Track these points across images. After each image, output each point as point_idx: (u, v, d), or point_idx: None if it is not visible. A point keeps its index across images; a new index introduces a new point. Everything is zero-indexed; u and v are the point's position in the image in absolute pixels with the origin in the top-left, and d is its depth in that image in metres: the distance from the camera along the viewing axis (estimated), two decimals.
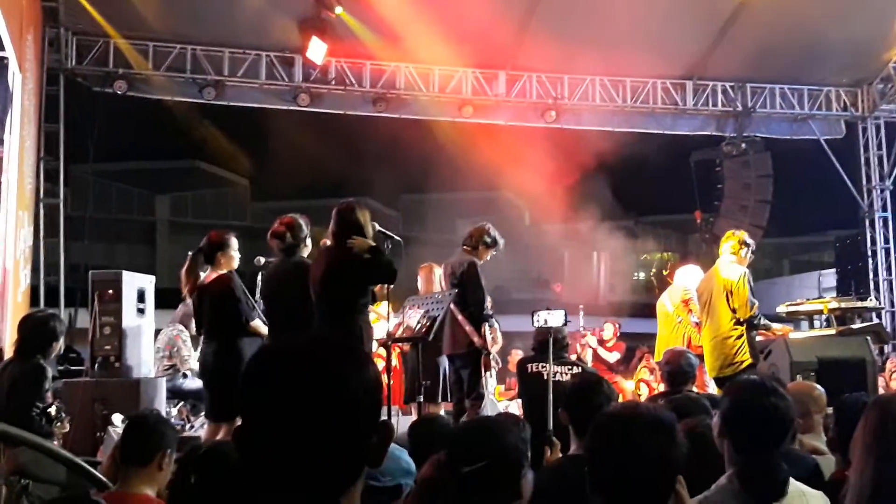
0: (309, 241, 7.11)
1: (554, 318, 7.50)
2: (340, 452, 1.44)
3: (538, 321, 7.56)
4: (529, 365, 7.41)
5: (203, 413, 7.96)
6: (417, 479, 3.27)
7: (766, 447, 3.04)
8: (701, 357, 8.50)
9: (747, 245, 8.58)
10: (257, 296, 7.66)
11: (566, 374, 6.83)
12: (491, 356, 8.14)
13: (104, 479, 4.00)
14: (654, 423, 2.56)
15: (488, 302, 8.31)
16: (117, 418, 7.05)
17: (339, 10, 12.72)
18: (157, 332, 9.32)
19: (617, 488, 2.50)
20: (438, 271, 8.90)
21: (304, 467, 1.42)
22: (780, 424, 3.09)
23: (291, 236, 7.01)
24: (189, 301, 8.02)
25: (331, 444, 1.43)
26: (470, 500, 2.80)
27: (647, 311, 14.05)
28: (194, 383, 8.60)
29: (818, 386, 5.40)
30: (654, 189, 18.69)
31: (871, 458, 2.78)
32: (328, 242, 6.74)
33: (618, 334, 13.86)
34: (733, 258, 8.52)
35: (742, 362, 8.21)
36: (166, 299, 9.87)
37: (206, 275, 7.26)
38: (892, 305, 15.75)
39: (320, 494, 1.44)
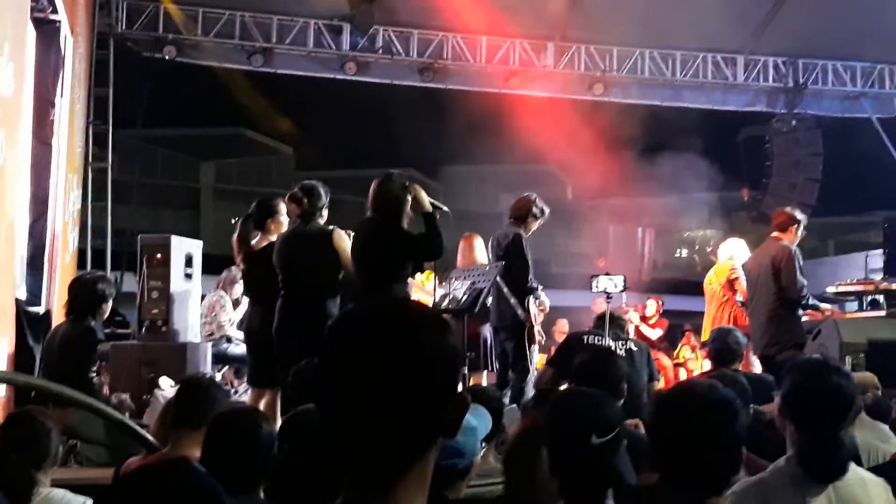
0: (325, 211, 7.02)
1: (614, 284, 7.47)
2: (416, 420, 1.44)
3: (597, 286, 7.53)
4: (585, 337, 7.34)
5: (246, 378, 8.03)
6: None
7: (829, 426, 2.99)
8: (747, 336, 8.43)
9: (798, 222, 8.43)
10: None
11: (622, 349, 6.74)
12: (535, 329, 8.12)
13: (154, 441, 4.03)
14: (712, 401, 2.53)
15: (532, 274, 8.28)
16: (164, 381, 7.12)
17: None
18: (204, 297, 9.40)
19: (678, 467, 2.48)
20: (478, 242, 8.85)
21: (379, 433, 1.43)
22: (843, 403, 3.04)
23: (309, 203, 6.92)
24: (234, 267, 8.05)
25: (407, 411, 1.43)
26: (603, 471, 2.77)
27: (690, 288, 13.97)
28: (239, 349, 8.66)
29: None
30: (701, 165, 18.47)
31: None
32: (369, 213, 6.67)
33: (660, 311, 13.79)
34: (783, 235, 8.41)
35: (789, 341, 8.12)
36: (210, 265, 9.94)
37: (256, 241, 7.29)
38: None
39: (393, 461, 1.44)
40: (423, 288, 9.09)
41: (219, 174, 34.87)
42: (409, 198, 6.39)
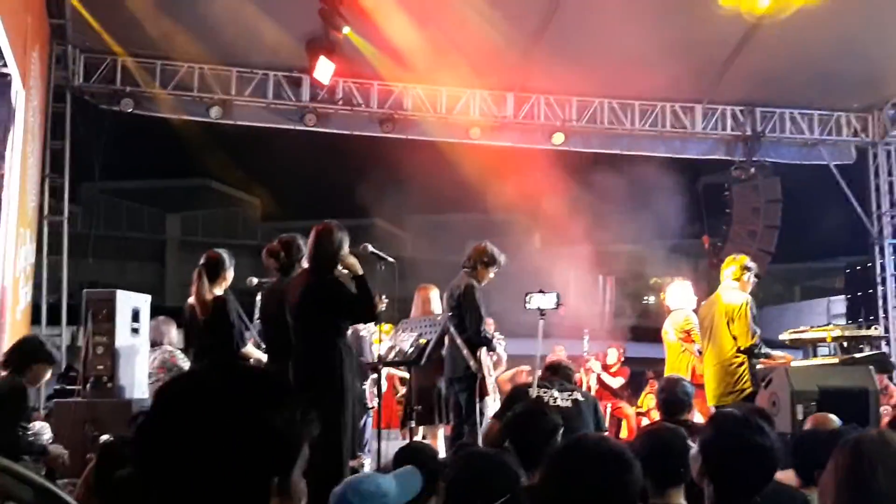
0: (305, 262, 7.01)
1: (546, 301, 7.44)
2: (238, 494, 1.37)
3: (529, 304, 7.50)
4: (530, 388, 7.27)
5: None
6: None
7: (749, 490, 2.90)
8: (703, 386, 8.42)
9: (749, 270, 8.47)
10: (255, 317, 7.62)
11: (567, 399, 6.68)
12: (488, 381, 8.04)
13: None
14: (601, 454, 2.49)
15: (489, 325, 8.23)
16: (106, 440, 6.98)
17: (346, 29, 12.62)
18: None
19: None
20: (434, 293, 8.81)
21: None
22: (765, 465, 2.96)
23: (286, 256, 6.93)
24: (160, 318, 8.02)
25: (226, 484, 1.36)
26: None
27: (652, 335, 13.93)
28: None
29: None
30: (663, 213, 18.56)
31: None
32: (305, 264, 6.65)
33: (622, 359, 13.75)
34: (735, 284, 8.42)
35: (743, 390, 8.11)
36: (175, 317, 9.82)
37: (202, 294, 7.21)
38: None
39: None
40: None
41: (185, 226, 34.76)
42: (340, 267, 6.37)
